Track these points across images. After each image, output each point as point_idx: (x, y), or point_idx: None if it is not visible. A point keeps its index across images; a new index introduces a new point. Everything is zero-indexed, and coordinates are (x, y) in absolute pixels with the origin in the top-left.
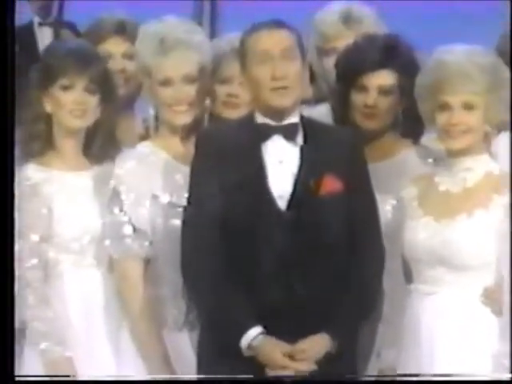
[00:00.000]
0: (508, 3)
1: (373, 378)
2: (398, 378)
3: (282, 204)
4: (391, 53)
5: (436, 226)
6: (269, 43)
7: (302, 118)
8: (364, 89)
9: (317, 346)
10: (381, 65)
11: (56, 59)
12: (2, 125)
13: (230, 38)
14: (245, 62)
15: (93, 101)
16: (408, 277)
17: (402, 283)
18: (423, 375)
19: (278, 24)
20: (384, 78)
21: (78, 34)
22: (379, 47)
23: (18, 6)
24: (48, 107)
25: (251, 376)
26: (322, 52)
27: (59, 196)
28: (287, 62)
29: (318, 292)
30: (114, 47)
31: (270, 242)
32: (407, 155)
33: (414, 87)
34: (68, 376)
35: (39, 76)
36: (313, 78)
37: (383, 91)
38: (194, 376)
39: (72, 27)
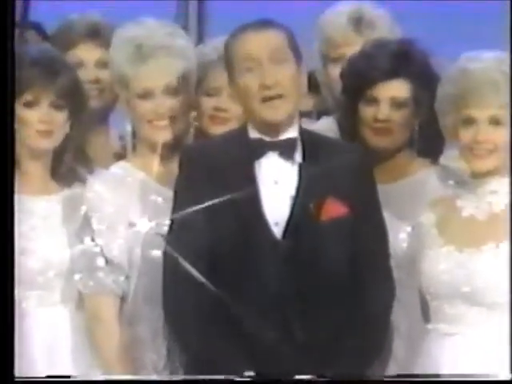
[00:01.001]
0: (508, 3)
1: (384, 379)
2: (412, 379)
3: (277, 231)
4: (404, 60)
5: (458, 257)
6: (254, 46)
7: (301, 131)
8: (374, 101)
9: None
10: (393, 74)
11: (18, 70)
12: (2, 126)
13: (218, 44)
14: (231, 71)
15: (60, 117)
16: (426, 314)
17: (419, 321)
18: (442, 375)
19: (265, 24)
20: (397, 88)
21: (45, 36)
22: (391, 54)
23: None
24: None
25: (247, 377)
26: (328, 59)
27: (22, 224)
28: (277, 65)
29: (318, 332)
30: (85, 54)
31: (263, 274)
32: (425, 176)
33: (432, 99)
34: (68, 376)
35: None
36: (316, 88)
37: (396, 103)
38: (187, 376)
39: (38, 29)
